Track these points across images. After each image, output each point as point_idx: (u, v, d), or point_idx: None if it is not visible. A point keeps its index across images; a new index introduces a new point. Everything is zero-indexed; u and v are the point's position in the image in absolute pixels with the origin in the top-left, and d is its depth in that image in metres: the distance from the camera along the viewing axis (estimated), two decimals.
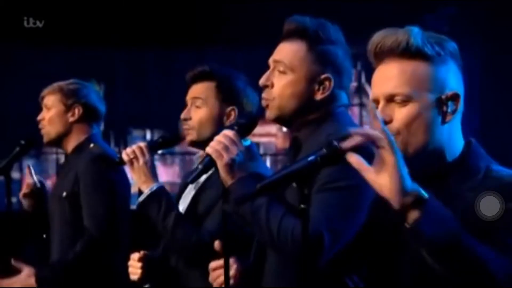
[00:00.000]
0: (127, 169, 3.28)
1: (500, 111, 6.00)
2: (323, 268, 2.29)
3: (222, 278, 2.49)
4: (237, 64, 6.32)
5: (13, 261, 3.62)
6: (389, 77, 1.97)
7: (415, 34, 1.95)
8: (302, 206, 2.06)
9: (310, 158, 2.10)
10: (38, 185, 3.84)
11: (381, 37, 1.98)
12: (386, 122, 1.95)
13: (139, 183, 3.07)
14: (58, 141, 3.80)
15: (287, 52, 2.48)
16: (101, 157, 3.60)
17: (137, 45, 6.80)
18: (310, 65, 2.45)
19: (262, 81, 2.50)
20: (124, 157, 3.09)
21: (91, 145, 3.74)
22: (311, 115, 2.48)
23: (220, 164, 2.42)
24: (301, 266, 2.25)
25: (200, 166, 2.50)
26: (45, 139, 3.80)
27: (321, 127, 2.43)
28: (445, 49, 1.96)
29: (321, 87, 2.46)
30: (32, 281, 3.61)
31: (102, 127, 3.89)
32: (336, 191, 2.30)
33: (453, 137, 1.97)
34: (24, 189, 3.83)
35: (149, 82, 7.07)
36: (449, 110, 1.94)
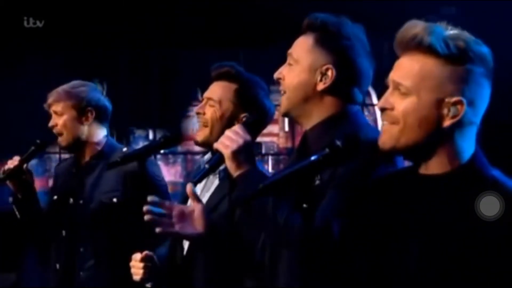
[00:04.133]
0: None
1: (502, 111, 6.00)
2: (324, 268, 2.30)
3: None
4: (238, 64, 6.33)
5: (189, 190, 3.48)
6: (401, 66, 1.98)
7: (431, 31, 1.94)
8: (305, 205, 2.07)
9: (312, 158, 2.12)
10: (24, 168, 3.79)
11: (404, 29, 1.98)
12: (386, 109, 1.97)
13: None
14: (75, 146, 3.79)
15: (296, 45, 2.50)
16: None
17: (140, 44, 6.80)
18: (314, 56, 2.45)
19: (275, 75, 2.53)
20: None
21: (124, 149, 3.76)
22: (319, 109, 2.47)
23: (226, 154, 2.44)
24: (309, 261, 2.26)
25: (207, 166, 2.51)
26: (62, 144, 3.79)
27: (337, 127, 2.42)
28: (466, 52, 1.92)
29: (323, 78, 2.45)
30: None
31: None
32: (347, 187, 2.29)
33: (459, 146, 1.95)
34: (10, 163, 3.78)
35: (152, 82, 7.07)
36: (450, 114, 1.92)
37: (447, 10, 5.96)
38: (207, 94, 3.13)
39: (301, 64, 2.47)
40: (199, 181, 2.71)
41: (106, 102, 3.85)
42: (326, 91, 2.45)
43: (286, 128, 6.95)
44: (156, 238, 3.49)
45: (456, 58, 1.92)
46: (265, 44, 6.28)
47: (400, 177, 2.07)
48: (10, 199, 3.83)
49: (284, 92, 2.50)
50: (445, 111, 1.92)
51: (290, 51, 2.51)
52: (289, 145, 6.93)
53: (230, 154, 2.42)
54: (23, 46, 6.73)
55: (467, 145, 1.96)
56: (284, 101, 2.50)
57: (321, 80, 2.46)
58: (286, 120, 6.92)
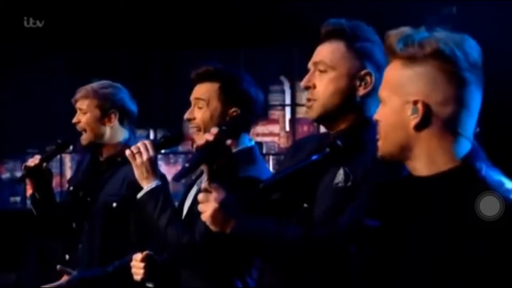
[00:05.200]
0: None
1: (502, 111, 6.00)
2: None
3: None
4: (239, 64, 6.32)
5: (58, 268, 3.62)
6: (383, 77, 1.99)
7: (394, 34, 1.93)
8: (305, 205, 2.07)
9: (313, 158, 2.12)
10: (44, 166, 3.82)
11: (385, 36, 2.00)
12: (377, 121, 1.97)
13: (140, 179, 3.06)
14: (95, 144, 3.82)
15: (326, 52, 2.49)
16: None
17: (140, 45, 6.80)
18: (350, 62, 2.46)
19: (303, 83, 2.51)
20: (127, 153, 3.10)
21: None
22: (352, 114, 2.48)
23: (206, 220, 2.37)
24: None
25: (186, 165, 2.50)
26: (84, 142, 3.82)
27: (361, 132, 2.42)
28: (430, 52, 1.89)
29: (363, 83, 2.47)
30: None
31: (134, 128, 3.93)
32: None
33: (436, 147, 1.92)
34: (31, 161, 3.81)
35: (152, 82, 7.07)
36: (413, 115, 1.90)
37: (447, 10, 5.96)
38: (194, 95, 3.13)
39: (338, 70, 2.46)
40: (178, 179, 2.72)
41: (132, 106, 3.87)
42: (365, 96, 2.47)
43: (287, 128, 6.94)
44: (149, 245, 3.54)
45: (416, 58, 1.90)
46: (266, 44, 6.28)
47: (403, 181, 2.06)
48: (12, 198, 3.88)
49: (314, 100, 2.47)
50: (408, 112, 1.90)
51: (319, 59, 2.49)
52: (290, 145, 6.91)
53: (209, 219, 2.35)
54: (23, 46, 6.73)
55: (444, 146, 1.92)
56: (317, 108, 2.47)
57: (360, 85, 2.47)
58: (287, 120, 6.92)
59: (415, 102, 1.89)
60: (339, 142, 2.14)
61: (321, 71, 2.48)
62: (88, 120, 3.78)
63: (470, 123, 1.93)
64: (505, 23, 5.74)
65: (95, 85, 3.84)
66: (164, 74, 7.01)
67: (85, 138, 3.80)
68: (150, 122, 6.91)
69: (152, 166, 3.06)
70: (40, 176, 3.80)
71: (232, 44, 6.44)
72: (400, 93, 1.92)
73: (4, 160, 6.99)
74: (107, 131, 3.79)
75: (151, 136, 6.94)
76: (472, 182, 1.88)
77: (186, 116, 3.13)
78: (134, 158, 3.06)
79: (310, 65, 2.52)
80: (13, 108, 6.83)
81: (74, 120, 3.81)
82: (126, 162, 3.16)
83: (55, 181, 7.12)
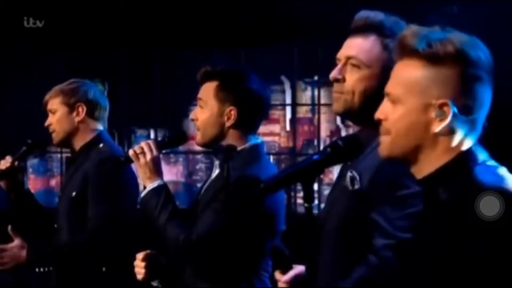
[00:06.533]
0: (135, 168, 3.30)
1: (502, 110, 6.00)
2: None
3: None
4: (239, 64, 6.31)
5: (10, 229, 3.64)
6: (392, 75, 1.98)
7: (418, 33, 1.91)
8: (306, 205, 2.07)
9: (314, 157, 2.12)
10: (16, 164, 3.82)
11: (398, 35, 1.98)
12: (381, 120, 1.96)
13: (144, 178, 3.09)
14: (67, 141, 3.82)
15: (362, 47, 2.45)
16: (110, 158, 3.61)
17: (140, 44, 6.79)
18: (384, 62, 2.41)
19: (333, 75, 2.47)
20: (131, 153, 3.12)
21: (101, 145, 3.77)
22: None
23: None
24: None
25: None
26: (55, 140, 3.83)
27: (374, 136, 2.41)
28: (453, 54, 1.88)
29: None
30: (22, 254, 3.63)
31: (106, 124, 3.91)
32: (401, 202, 2.27)
33: (450, 148, 1.91)
34: (2, 164, 3.81)
35: (153, 82, 7.06)
36: (438, 118, 1.89)
37: (449, 9, 5.96)
38: (198, 95, 3.17)
39: (372, 69, 2.43)
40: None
41: (99, 98, 3.87)
42: None
43: (288, 128, 6.94)
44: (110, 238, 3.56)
45: (440, 59, 1.88)
46: (266, 44, 6.28)
47: None
48: None
49: (342, 93, 2.45)
50: (432, 115, 1.89)
51: (354, 53, 2.45)
52: (290, 144, 6.91)
53: None
54: (23, 46, 6.73)
55: (457, 146, 1.92)
56: (343, 103, 2.45)
57: None
58: (288, 119, 6.92)
59: (441, 105, 1.88)
60: (340, 142, 2.14)
61: (353, 65, 2.44)
62: (58, 118, 3.79)
63: (482, 123, 1.95)
64: (507, 22, 5.74)
65: (62, 84, 3.87)
66: (164, 74, 7.00)
67: (55, 136, 3.82)
68: (150, 122, 6.90)
69: (156, 166, 3.09)
70: (14, 176, 3.81)
71: (232, 44, 6.43)
72: (421, 95, 1.90)
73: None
74: (77, 125, 3.79)
75: (151, 136, 6.94)
76: (465, 181, 1.87)
77: (190, 116, 3.18)
78: (138, 158, 3.09)
79: (341, 57, 2.48)
80: (13, 108, 6.83)
81: (46, 123, 3.83)
82: (129, 161, 3.17)
83: (55, 181, 7.13)
